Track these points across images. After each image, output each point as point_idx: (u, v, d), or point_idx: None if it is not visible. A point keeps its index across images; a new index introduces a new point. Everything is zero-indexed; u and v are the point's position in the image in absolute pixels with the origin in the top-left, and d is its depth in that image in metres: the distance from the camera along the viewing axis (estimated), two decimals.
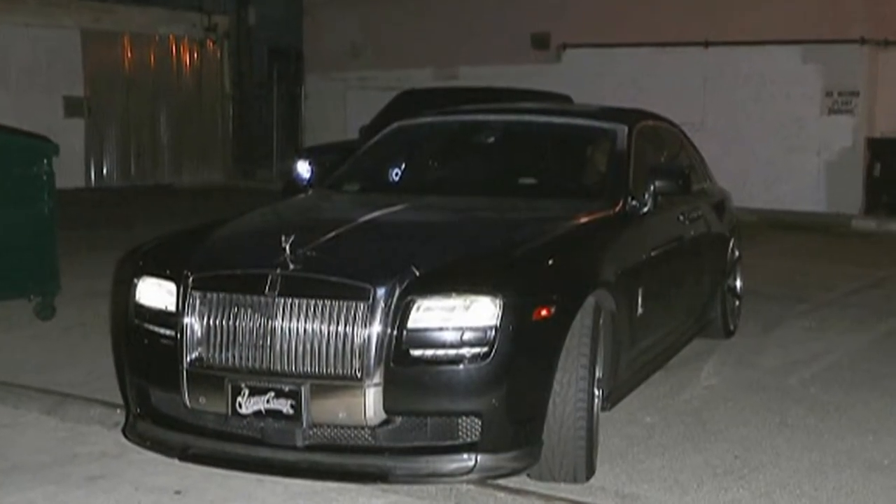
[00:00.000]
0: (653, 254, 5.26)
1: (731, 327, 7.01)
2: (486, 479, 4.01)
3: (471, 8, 17.61)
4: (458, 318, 3.90)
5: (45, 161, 7.14)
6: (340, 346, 3.91)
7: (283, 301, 3.97)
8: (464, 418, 3.93)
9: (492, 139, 6.10)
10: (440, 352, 3.89)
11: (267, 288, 4.00)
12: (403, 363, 3.89)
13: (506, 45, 17.07)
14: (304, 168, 10.41)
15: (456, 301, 3.92)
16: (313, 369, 3.94)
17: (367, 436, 3.96)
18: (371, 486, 4.05)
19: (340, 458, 3.98)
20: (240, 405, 3.99)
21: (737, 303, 7.17)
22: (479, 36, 17.30)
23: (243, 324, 4.03)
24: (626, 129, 5.68)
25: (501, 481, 4.09)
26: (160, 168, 19.09)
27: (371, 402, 3.87)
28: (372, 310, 3.89)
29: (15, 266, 7.01)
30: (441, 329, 3.90)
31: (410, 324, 3.90)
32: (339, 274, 4.01)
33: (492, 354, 3.88)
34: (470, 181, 5.81)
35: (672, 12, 15.77)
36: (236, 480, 4.15)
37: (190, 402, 4.13)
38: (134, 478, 4.26)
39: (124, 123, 18.50)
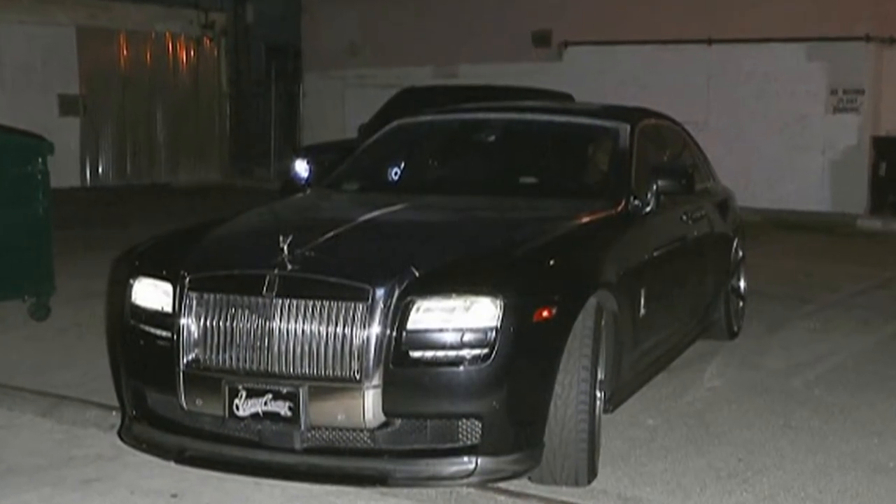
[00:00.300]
0: (655, 254, 5.22)
1: (735, 328, 6.96)
2: (487, 482, 3.98)
3: (471, 5, 17.57)
4: (459, 319, 3.86)
5: (40, 160, 7.09)
6: (339, 347, 3.86)
7: (280, 302, 3.93)
8: (464, 421, 3.89)
9: (492, 138, 6.08)
10: (440, 353, 3.85)
11: (265, 289, 3.95)
12: (403, 365, 3.85)
13: (506, 42, 17.04)
14: (302, 167, 10.39)
15: (456, 302, 3.87)
16: (311, 371, 3.89)
17: (366, 438, 3.92)
18: (370, 490, 4.02)
19: (339, 460, 3.94)
20: (237, 407, 3.95)
21: (740, 303, 7.13)
22: (480, 33, 17.27)
23: (240, 325, 3.98)
24: (628, 127, 5.64)
25: (502, 484, 4.06)
26: (156, 167, 19.04)
27: (370, 404, 3.83)
28: (371, 311, 3.84)
29: (9, 266, 6.96)
30: (441, 330, 3.86)
31: (410, 325, 3.85)
32: (337, 274, 3.97)
33: (492, 356, 3.83)
34: (470, 180, 5.77)
35: (674, 10, 15.74)
36: (233, 483, 4.12)
37: (186, 404, 4.08)
38: (130, 481, 4.23)
39: (120, 122, 18.44)
